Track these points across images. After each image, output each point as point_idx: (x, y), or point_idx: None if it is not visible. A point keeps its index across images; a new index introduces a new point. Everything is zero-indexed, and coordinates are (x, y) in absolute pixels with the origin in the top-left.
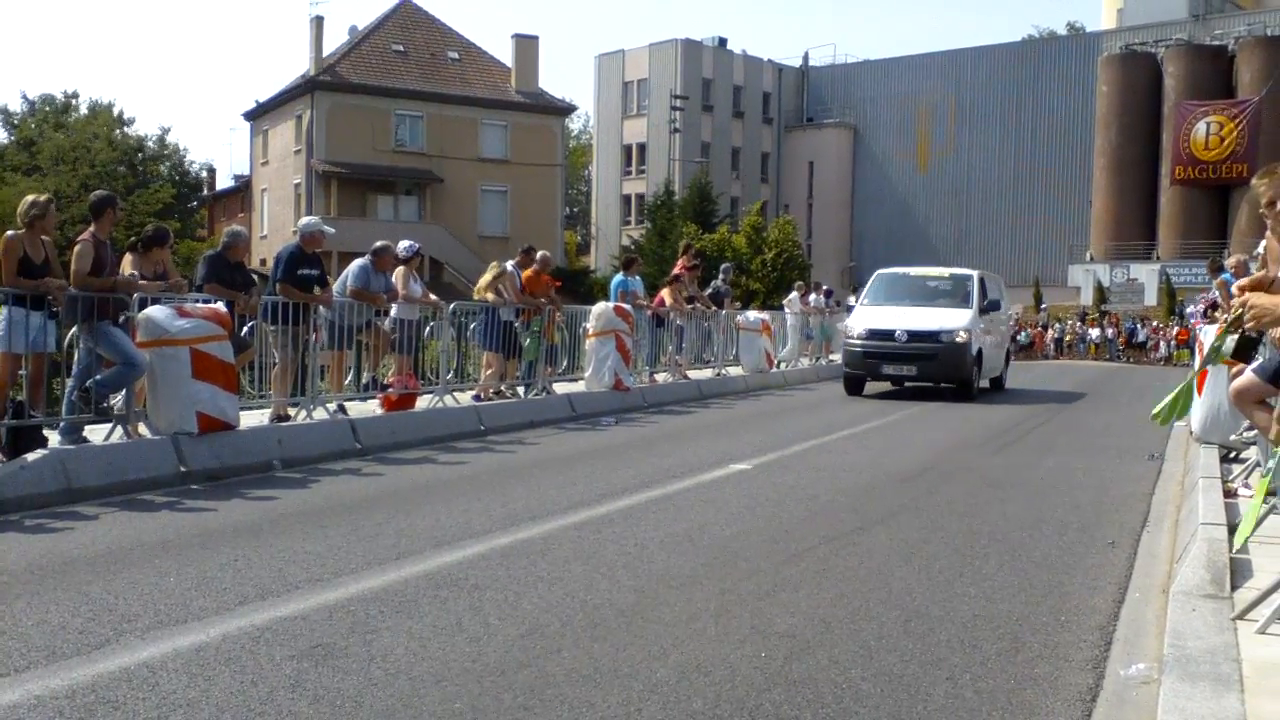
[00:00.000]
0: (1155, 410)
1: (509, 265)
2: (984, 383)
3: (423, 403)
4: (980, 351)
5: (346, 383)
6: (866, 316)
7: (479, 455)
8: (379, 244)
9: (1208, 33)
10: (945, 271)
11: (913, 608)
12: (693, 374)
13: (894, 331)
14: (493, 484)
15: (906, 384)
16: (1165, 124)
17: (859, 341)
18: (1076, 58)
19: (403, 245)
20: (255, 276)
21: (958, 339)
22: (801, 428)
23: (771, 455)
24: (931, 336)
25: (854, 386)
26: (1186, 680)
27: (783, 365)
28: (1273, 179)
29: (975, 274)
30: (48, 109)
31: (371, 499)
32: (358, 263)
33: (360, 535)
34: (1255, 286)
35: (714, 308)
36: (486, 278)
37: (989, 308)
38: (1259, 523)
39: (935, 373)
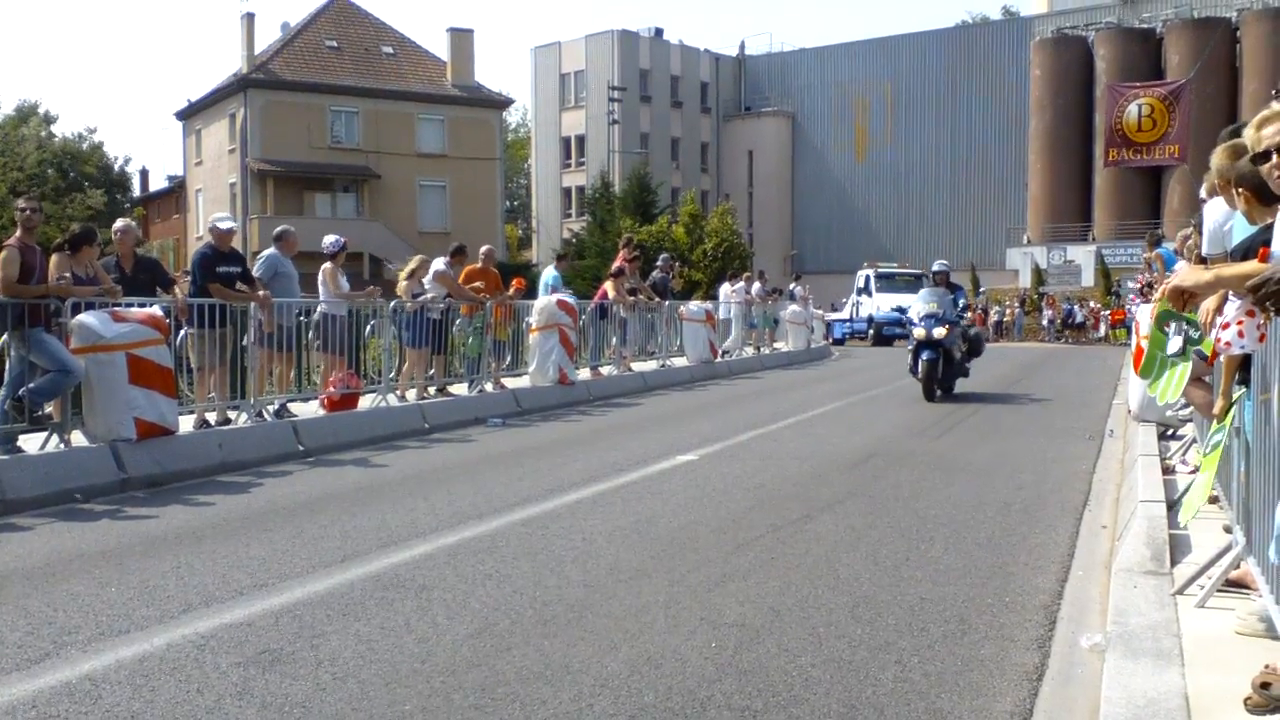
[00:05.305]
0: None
1: (441, 263)
2: None
3: (365, 402)
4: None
5: (273, 381)
6: None
7: (424, 453)
8: (280, 229)
9: (1136, 16)
10: None
11: (860, 593)
12: (638, 366)
13: None
14: (438, 482)
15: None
16: (1098, 106)
17: None
18: (1010, 42)
19: (328, 240)
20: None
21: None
22: (747, 417)
23: (718, 445)
24: None
25: None
26: (1129, 657)
27: (727, 355)
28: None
29: None
30: None
31: (316, 501)
32: (264, 255)
33: (305, 538)
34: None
35: (657, 299)
36: (404, 271)
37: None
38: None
39: None
